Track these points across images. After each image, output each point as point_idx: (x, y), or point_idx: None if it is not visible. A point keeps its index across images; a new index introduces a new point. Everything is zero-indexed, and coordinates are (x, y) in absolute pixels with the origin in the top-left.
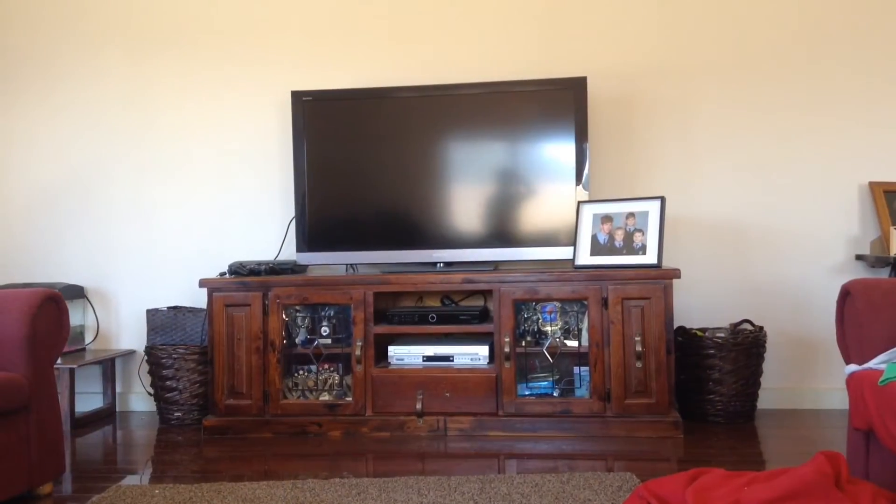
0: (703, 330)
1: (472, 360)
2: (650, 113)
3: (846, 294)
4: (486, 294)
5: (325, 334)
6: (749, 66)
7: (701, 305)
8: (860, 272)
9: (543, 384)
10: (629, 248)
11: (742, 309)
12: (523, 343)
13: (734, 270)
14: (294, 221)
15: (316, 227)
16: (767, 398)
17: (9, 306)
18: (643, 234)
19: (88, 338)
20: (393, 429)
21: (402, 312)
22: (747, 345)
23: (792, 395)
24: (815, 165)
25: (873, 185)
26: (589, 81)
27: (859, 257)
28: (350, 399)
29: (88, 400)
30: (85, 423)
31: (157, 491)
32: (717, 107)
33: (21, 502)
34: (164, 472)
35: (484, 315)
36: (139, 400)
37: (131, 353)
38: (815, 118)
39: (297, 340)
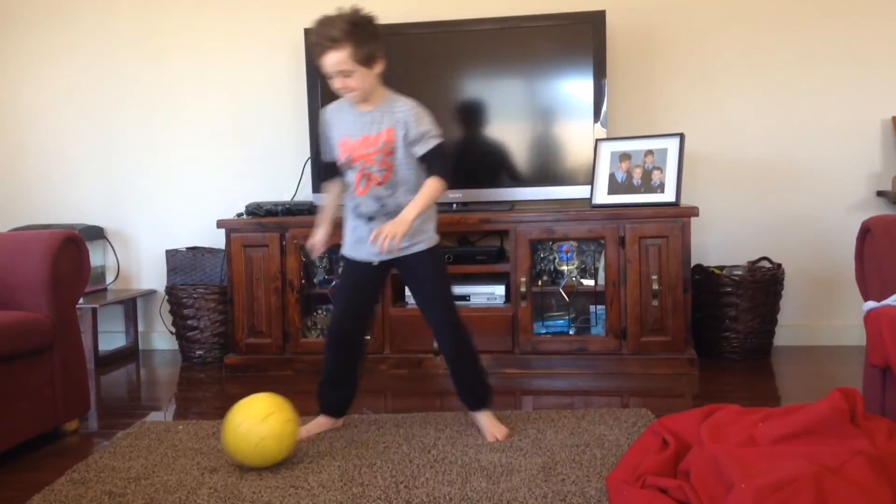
0: (721, 268)
1: (488, 299)
2: (670, 48)
3: (866, 231)
4: (502, 234)
5: None
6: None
7: (719, 243)
8: (881, 209)
9: (559, 322)
10: (647, 186)
11: (761, 246)
12: (539, 282)
13: (753, 207)
14: (310, 161)
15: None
16: (784, 335)
17: (30, 248)
18: (661, 171)
19: (109, 278)
20: (411, 366)
21: None
22: (765, 282)
23: (809, 332)
24: (836, 101)
25: None
26: (608, 15)
27: (880, 193)
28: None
29: (111, 339)
30: (109, 362)
31: (180, 427)
32: (737, 41)
33: (48, 439)
34: (187, 408)
35: (500, 255)
36: (161, 339)
37: (152, 292)
38: (836, 53)
39: (315, 281)
